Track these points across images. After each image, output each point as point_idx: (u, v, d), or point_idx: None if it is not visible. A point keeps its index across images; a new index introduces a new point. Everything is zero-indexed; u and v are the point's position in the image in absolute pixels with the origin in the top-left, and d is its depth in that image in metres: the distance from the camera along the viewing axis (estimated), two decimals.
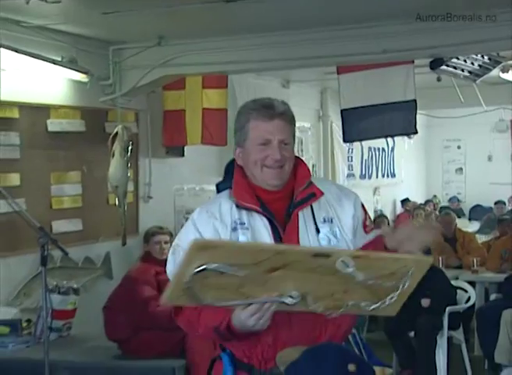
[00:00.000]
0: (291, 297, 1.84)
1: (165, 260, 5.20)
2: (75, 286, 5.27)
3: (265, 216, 2.20)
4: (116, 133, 5.72)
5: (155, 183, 6.70)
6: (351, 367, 1.45)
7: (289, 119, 2.28)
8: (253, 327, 1.96)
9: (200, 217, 2.25)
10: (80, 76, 5.55)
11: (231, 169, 2.35)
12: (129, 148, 5.75)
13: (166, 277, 5.14)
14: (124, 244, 5.89)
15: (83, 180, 5.82)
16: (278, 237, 2.16)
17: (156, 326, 4.82)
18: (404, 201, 12.03)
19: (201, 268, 1.80)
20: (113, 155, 5.70)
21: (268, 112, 2.23)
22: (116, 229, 5.85)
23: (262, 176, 2.24)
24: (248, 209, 2.21)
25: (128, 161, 5.76)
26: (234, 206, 2.22)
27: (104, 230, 5.97)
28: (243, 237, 2.16)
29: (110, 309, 4.98)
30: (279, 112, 2.24)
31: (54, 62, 5.28)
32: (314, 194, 2.26)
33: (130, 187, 6.21)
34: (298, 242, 2.15)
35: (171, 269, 2.26)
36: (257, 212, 2.21)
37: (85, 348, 5.01)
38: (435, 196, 13.25)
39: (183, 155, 7.10)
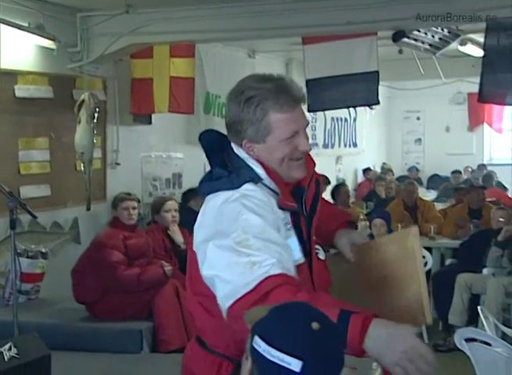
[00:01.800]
0: None
1: (133, 226, 5.38)
2: (43, 250, 5.33)
3: (292, 212, 1.96)
4: (83, 100, 5.75)
5: (123, 150, 6.74)
6: (315, 325, 1.43)
7: (304, 101, 2.00)
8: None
9: (254, 204, 1.86)
10: (48, 43, 5.54)
11: (234, 159, 1.98)
12: (96, 115, 5.77)
13: (133, 242, 5.27)
14: (88, 209, 5.95)
15: (51, 146, 5.85)
16: (299, 231, 1.97)
17: (123, 289, 4.91)
18: (366, 171, 12.24)
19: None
20: (79, 122, 5.73)
21: (291, 100, 1.91)
22: (84, 195, 5.89)
23: (288, 171, 1.95)
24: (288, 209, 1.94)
25: (94, 128, 5.79)
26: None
27: (72, 195, 6.02)
28: (291, 239, 1.93)
29: (78, 273, 5.03)
30: (299, 98, 1.95)
31: (20, 27, 5.27)
32: (318, 181, 2.11)
33: (98, 153, 6.25)
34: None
35: (257, 259, 1.76)
36: (294, 210, 1.96)
37: (53, 310, 5.12)
38: (384, 163, 13.45)
39: (150, 123, 7.14)
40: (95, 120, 5.76)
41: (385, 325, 1.61)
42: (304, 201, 2.00)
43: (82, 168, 5.83)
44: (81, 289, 4.99)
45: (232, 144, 2.00)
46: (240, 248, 1.77)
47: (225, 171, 1.95)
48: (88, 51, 5.90)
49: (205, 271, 1.84)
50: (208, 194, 1.97)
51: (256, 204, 1.85)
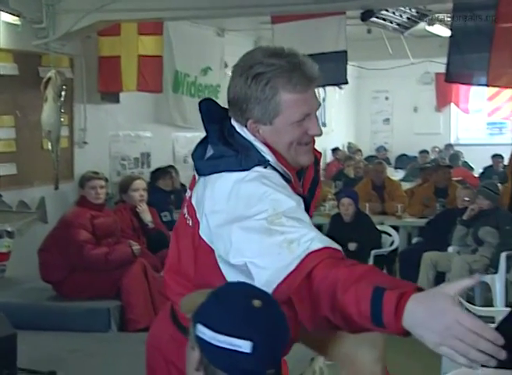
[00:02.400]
0: None
1: (100, 205, 5.34)
2: (9, 229, 5.27)
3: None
4: (49, 78, 5.67)
5: (90, 129, 6.68)
6: (256, 303, 1.40)
7: (319, 80, 1.81)
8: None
9: (276, 185, 1.71)
10: (12, 19, 5.45)
11: (239, 139, 1.81)
12: (62, 93, 5.71)
13: (101, 221, 5.23)
14: (56, 188, 5.90)
15: (16, 124, 5.78)
16: None
17: (91, 268, 4.88)
18: (334, 150, 12.29)
19: None
20: (46, 100, 5.65)
21: (304, 80, 1.75)
22: (51, 174, 5.83)
23: (295, 156, 1.82)
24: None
25: (61, 106, 5.71)
26: None
27: (39, 174, 5.96)
28: None
29: (45, 252, 4.99)
30: (314, 77, 1.77)
31: None
32: (316, 161, 1.96)
33: (65, 132, 6.19)
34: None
35: (294, 236, 1.59)
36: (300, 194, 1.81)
37: (20, 289, 5.09)
38: (350, 143, 13.52)
39: (118, 102, 7.08)
40: (62, 98, 5.69)
41: (425, 299, 1.36)
42: (303, 184, 1.88)
43: (49, 147, 5.77)
44: (48, 268, 4.96)
45: (234, 122, 1.83)
46: (272, 226, 1.60)
47: (230, 150, 1.77)
48: (54, 28, 5.78)
49: (234, 259, 1.64)
50: (209, 174, 1.79)
51: (278, 185, 1.71)
